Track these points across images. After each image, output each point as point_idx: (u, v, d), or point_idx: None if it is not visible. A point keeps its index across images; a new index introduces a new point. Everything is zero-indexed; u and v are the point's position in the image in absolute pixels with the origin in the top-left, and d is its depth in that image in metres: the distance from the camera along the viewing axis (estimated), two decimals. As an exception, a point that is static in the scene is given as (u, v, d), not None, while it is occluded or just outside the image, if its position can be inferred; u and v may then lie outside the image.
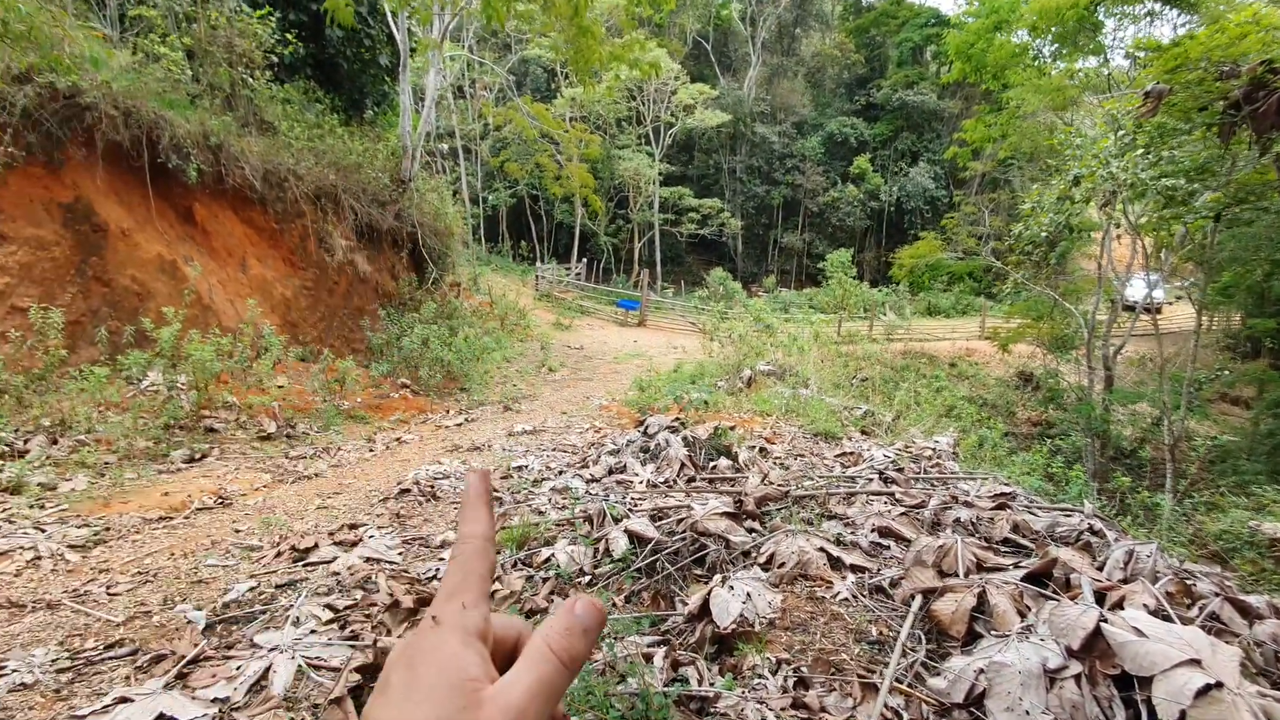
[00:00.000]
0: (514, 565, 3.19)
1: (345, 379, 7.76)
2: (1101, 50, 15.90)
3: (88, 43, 6.01)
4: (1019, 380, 18.71)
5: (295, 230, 8.94)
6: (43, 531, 3.63)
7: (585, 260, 30.34)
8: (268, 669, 2.29)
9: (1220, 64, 7.27)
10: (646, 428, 5.57)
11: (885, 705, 2.04)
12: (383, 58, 11.96)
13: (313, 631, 2.58)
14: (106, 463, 4.84)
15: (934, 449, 5.51)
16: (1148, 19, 16.00)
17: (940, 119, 34.95)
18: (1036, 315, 16.74)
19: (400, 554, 3.42)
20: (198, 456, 5.36)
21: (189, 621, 2.69)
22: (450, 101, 27.00)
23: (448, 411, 8.31)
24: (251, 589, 3.02)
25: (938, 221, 26.88)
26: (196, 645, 2.46)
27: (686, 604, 2.63)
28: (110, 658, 2.45)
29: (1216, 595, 2.32)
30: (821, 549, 3.05)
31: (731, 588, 2.57)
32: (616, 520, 3.40)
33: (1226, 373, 16.04)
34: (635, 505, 3.76)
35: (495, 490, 4.47)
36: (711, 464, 4.81)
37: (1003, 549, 3.07)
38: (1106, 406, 14.07)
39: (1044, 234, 12.69)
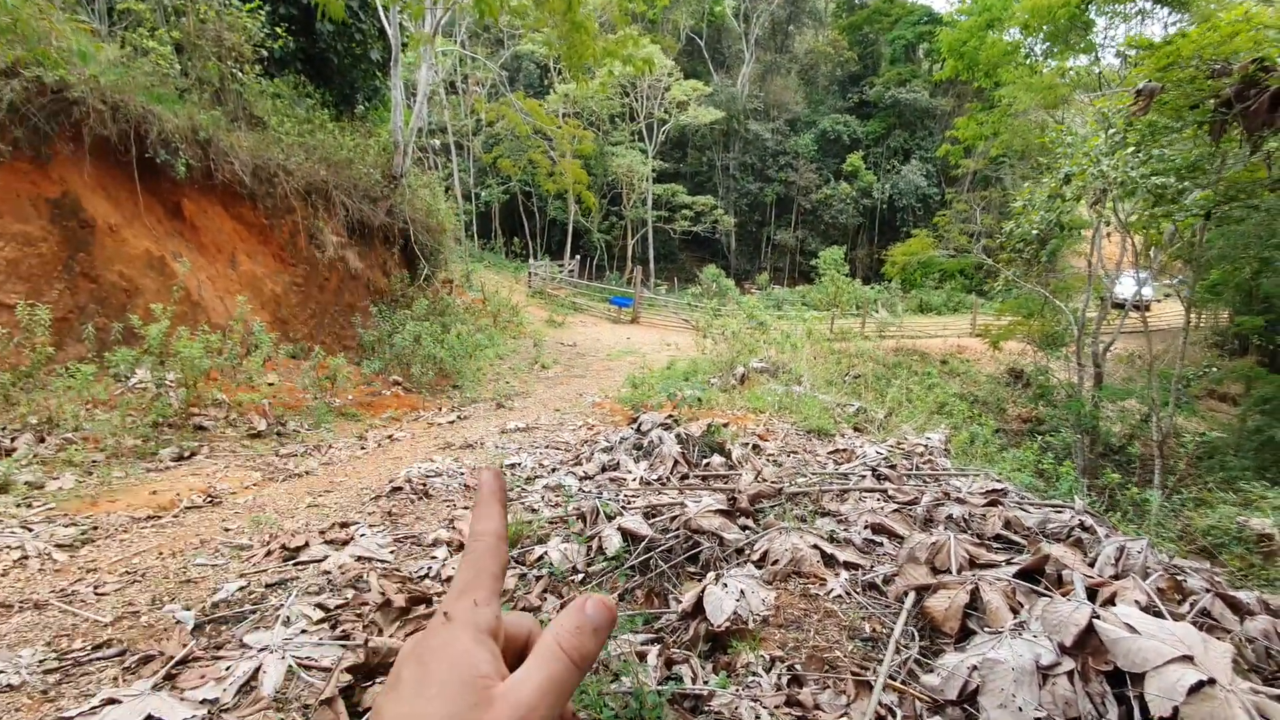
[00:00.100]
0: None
1: (336, 376, 7.72)
2: (1093, 49, 15.97)
3: (75, 36, 5.93)
4: (1010, 377, 18.85)
5: (285, 226, 8.86)
6: (30, 531, 3.59)
7: (578, 257, 30.28)
8: (257, 669, 2.26)
9: (1211, 62, 7.31)
10: (640, 425, 5.55)
11: (879, 702, 2.04)
12: (374, 52, 11.88)
13: (303, 631, 2.55)
14: (94, 461, 4.79)
15: (926, 446, 5.51)
16: (1139, 18, 16.10)
17: (932, 116, 35.08)
18: (1027, 312, 16.85)
19: (392, 552, 3.39)
20: (187, 454, 5.31)
21: (178, 621, 2.66)
22: (442, 97, 26.84)
23: (440, 409, 8.26)
24: (241, 588, 2.99)
25: (930, 219, 26.97)
26: (185, 646, 2.44)
27: (680, 602, 2.62)
28: (98, 658, 2.42)
29: (1207, 591, 2.33)
30: (815, 546, 3.05)
31: (725, 585, 2.57)
32: (610, 518, 3.39)
33: (1214, 369, 16.23)
34: (629, 503, 3.75)
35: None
36: (705, 461, 4.80)
37: (995, 545, 3.08)
38: (1096, 403, 14.18)
39: (1035, 232, 12.76)
